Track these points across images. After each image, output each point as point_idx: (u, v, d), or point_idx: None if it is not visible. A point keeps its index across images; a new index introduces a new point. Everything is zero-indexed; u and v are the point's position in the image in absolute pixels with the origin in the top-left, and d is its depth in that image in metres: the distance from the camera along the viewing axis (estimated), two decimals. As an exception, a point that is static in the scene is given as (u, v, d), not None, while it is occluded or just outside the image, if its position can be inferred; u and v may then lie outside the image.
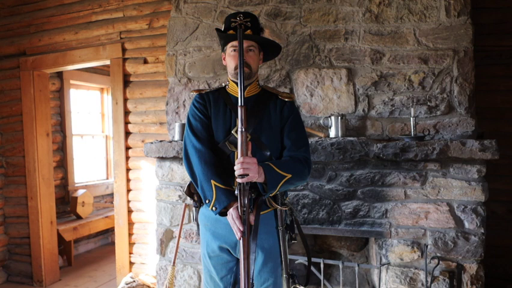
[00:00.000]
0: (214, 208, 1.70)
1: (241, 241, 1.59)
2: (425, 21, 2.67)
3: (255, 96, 1.87)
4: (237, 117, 1.79)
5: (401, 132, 2.71)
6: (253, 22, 1.81)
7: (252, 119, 1.80)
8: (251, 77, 1.84)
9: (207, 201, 1.72)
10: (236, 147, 1.75)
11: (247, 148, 1.61)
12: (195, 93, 1.94)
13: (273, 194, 1.71)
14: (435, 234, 2.50)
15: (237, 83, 1.83)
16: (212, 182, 1.70)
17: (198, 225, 1.96)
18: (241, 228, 1.59)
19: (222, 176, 1.72)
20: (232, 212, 1.64)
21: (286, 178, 1.70)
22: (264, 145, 1.80)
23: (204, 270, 1.95)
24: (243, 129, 1.59)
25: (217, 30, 1.86)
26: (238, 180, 1.59)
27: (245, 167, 1.58)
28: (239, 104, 1.61)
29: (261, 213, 1.78)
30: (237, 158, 1.67)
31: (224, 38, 1.85)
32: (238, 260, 1.87)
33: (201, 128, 1.83)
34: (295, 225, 1.90)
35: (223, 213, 1.71)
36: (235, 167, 1.60)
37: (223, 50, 1.91)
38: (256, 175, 1.61)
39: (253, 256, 1.70)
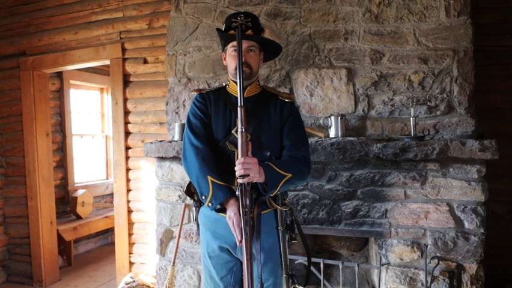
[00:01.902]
0: (210, 204, 1.69)
1: (243, 242, 1.59)
2: (425, 21, 2.67)
3: (255, 96, 1.87)
4: (237, 117, 1.79)
5: (401, 132, 2.71)
6: (254, 22, 1.81)
7: (252, 119, 1.80)
8: (251, 77, 1.84)
9: (203, 197, 1.71)
10: (236, 147, 1.75)
11: (247, 148, 1.61)
12: (195, 93, 1.94)
13: (273, 193, 1.71)
14: (435, 234, 2.50)
15: (237, 83, 1.84)
16: (208, 177, 1.68)
17: (197, 225, 1.95)
18: (240, 238, 1.60)
19: (218, 172, 1.71)
20: (233, 218, 1.63)
21: (287, 178, 1.70)
22: (264, 145, 1.80)
23: (204, 270, 1.94)
24: (243, 130, 1.60)
25: (218, 30, 1.86)
26: (239, 180, 1.59)
27: (246, 167, 1.58)
28: (239, 104, 1.62)
29: (262, 213, 1.78)
30: (237, 158, 1.67)
31: (225, 38, 1.84)
32: (239, 260, 1.87)
33: (200, 126, 1.83)
34: (295, 225, 1.90)
35: (220, 210, 1.70)
36: (235, 168, 1.60)
37: (223, 50, 1.91)
38: (257, 175, 1.61)
39: (259, 256, 1.72)
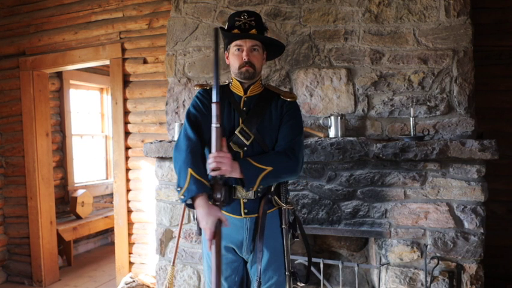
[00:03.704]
0: (182, 196, 1.65)
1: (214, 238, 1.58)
2: (424, 21, 2.67)
3: (257, 95, 1.87)
4: (240, 116, 1.80)
5: (401, 132, 2.71)
6: (258, 21, 1.81)
7: (255, 118, 1.80)
8: (254, 76, 1.83)
9: (178, 189, 1.67)
10: (240, 147, 1.77)
11: (221, 144, 1.62)
12: (198, 88, 1.91)
13: (254, 188, 1.70)
14: (435, 234, 2.50)
15: (240, 82, 1.84)
16: (189, 169, 1.65)
17: (198, 224, 1.94)
18: (210, 244, 1.59)
19: (201, 167, 1.68)
20: (207, 231, 1.59)
21: (266, 171, 1.69)
22: (267, 146, 1.81)
23: (207, 271, 1.93)
24: (218, 126, 1.60)
25: (221, 28, 1.86)
26: (211, 173, 1.61)
27: (218, 161, 1.59)
28: (213, 100, 1.61)
29: (267, 211, 1.80)
30: (238, 157, 1.69)
31: (228, 37, 1.83)
32: (243, 259, 1.87)
33: (200, 118, 1.81)
34: (297, 224, 1.91)
35: (191, 206, 1.67)
36: (208, 161, 1.62)
37: (226, 49, 1.89)
38: (228, 169, 1.61)
39: (260, 255, 1.74)
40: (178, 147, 1.76)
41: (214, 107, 1.61)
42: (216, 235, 1.56)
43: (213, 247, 1.56)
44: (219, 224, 1.58)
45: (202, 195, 1.62)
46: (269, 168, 1.70)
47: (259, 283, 1.72)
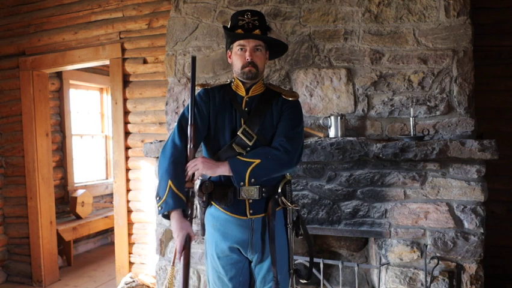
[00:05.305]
0: (160, 207, 1.69)
1: (183, 252, 1.66)
2: (424, 21, 2.67)
3: (259, 95, 1.86)
4: (242, 117, 1.80)
5: (401, 132, 2.71)
6: (261, 21, 1.80)
7: (257, 118, 1.79)
8: (257, 76, 1.83)
9: (157, 198, 1.71)
10: (243, 148, 1.76)
11: None
12: (199, 88, 1.90)
13: (246, 183, 1.70)
14: (435, 234, 2.50)
15: (243, 82, 1.84)
16: (169, 182, 1.67)
17: (202, 225, 1.93)
18: (179, 256, 1.66)
19: (181, 180, 1.71)
20: (177, 244, 1.65)
21: (254, 164, 1.70)
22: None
23: (212, 272, 1.92)
24: (191, 146, 1.72)
25: (224, 27, 1.85)
26: (195, 177, 1.71)
27: (191, 166, 1.70)
28: (189, 122, 1.71)
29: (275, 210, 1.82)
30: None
31: (231, 36, 1.82)
32: (247, 259, 1.88)
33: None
34: (299, 222, 1.92)
35: (167, 217, 1.72)
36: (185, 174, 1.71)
37: (228, 48, 1.88)
38: (201, 166, 1.69)
39: (274, 257, 1.77)
40: (164, 152, 1.78)
41: (189, 129, 1.72)
42: (185, 248, 1.64)
43: (182, 259, 1.65)
44: (188, 238, 1.65)
45: (176, 210, 1.68)
46: (257, 161, 1.70)
47: (277, 283, 1.75)
